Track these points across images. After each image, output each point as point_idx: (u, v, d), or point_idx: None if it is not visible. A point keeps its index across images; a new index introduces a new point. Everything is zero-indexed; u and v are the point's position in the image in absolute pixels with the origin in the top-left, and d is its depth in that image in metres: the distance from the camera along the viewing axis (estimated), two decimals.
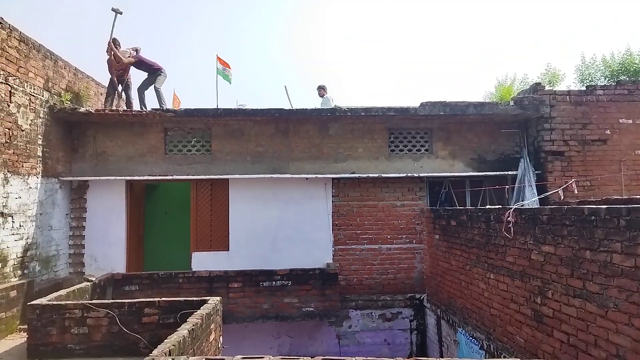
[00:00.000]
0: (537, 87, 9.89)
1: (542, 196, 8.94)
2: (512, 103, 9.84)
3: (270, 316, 8.70)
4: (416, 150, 10.33)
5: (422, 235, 10.00)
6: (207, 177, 9.87)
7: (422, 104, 9.68)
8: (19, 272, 7.73)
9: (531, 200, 8.90)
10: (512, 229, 5.90)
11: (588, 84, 10.08)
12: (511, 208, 6.06)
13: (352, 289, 9.88)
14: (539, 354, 5.21)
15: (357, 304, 9.76)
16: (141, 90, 10.54)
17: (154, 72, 10.52)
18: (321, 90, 11.67)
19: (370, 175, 9.95)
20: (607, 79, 10.43)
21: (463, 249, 7.62)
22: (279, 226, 9.94)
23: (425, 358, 3.53)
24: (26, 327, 6.28)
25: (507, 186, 9.62)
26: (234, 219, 9.92)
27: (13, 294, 7.11)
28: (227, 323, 7.64)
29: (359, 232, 10.07)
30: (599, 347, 4.32)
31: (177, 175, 9.83)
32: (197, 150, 10.08)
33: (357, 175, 9.98)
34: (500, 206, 8.13)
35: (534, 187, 9.41)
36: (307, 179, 9.99)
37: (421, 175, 10.04)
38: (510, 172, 9.91)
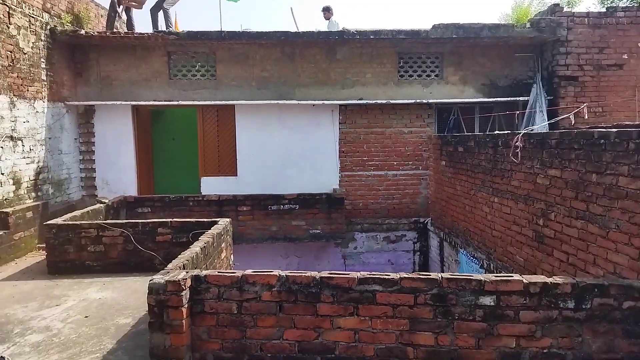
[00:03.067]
0: (555, 9, 9.42)
1: (552, 121, 8.83)
2: (528, 25, 9.44)
3: (279, 237, 9.01)
4: (426, 75, 10.08)
5: (428, 162, 10.03)
6: (212, 102, 9.79)
7: (434, 26, 9.31)
8: (33, 194, 7.94)
9: (541, 125, 8.80)
10: (519, 154, 5.90)
11: (608, 6, 9.56)
12: (520, 133, 6.02)
13: (358, 213, 10.11)
14: (537, 272, 5.42)
15: (362, 227, 10.03)
16: (154, 10, 10.09)
17: None
18: (326, 12, 11.10)
19: (379, 101, 9.81)
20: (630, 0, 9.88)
21: (469, 175, 7.68)
22: (286, 153, 9.98)
23: (427, 273, 3.68)
24: (44, 245, 6.58)
25: (517, 112, 9.48)
26: (241, 145, 9.96)
27: (29, 214, 7.36)
28: (237, 244, 7.92)
29: (365, 158, 10.11)
30: (597, 265, 4.48)
31: (183, 101, 9.74)
32: (202, 75, 9.90)
33: (364, 101, 9.84)
34: (509, 132, 8.07)
35: (545, 113, 9.27)
36: (313, 105, 9.88)
37: (430, 101, 9.89)
38: (521, 98, 9.72)
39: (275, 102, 9.74)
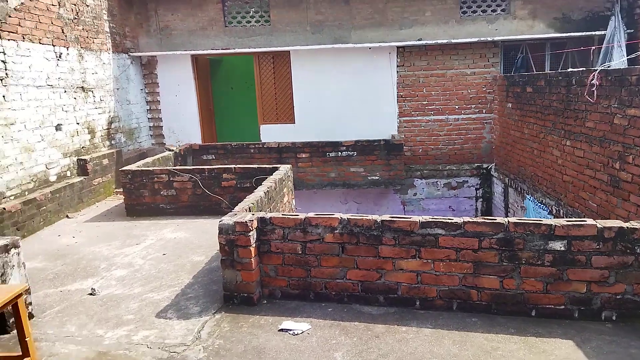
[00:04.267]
0: None
1: (631, 56, 8.06)
2: None
3: (338, 184, 9.12)
4: (491, 10, 9.41)
5: (493, 105, 9.57)
6: (268, 49, 9.73)
7: None
8: (107, 142, 8.44)
9: (619, 61, 8.06)
10: (595, 93, 5.48)
11: None
12: (596, 70, 5.56)
13: (417, 159, 9.96)
14: (611, 218, 5.16)
15: (422, 173, 9.90)
16: None
17: None
18: None
19: (439, 41, 9.33)
20: None
21: (538, 117, 7.27)
22: (342, 99, 9.87)
23: (492, 217, 3.61)
24: (121, 190, 7.07)
25: (592, 47, 8.71)
26: (297, 92, 9.94)
27: (105, 161, 7.88)
28: (297, 189, 8.09)
29: (425, 103, 9.80)
30: None
31: (239, 49, 9.77)
32: (257, 21, 9.81)
33: (424, 42, 9.39)
34: (583, 69, 7.48)
35: (624, 48, 8.45)
36: (370, 48, 9.58)
37: (495, 39, 9.27)
38: (597, 32, 8.89)
39: (331, 46, 9.53)
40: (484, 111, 9.67)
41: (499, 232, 3.43)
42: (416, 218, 3.65)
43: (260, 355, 3.14)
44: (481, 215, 9.82)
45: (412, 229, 3.60)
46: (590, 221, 3.36)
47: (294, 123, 10.07)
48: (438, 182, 9.92)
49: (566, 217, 6.20)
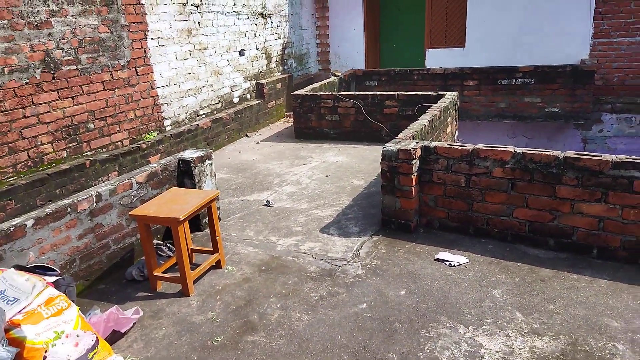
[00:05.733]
0: None
1: None
2: None
3: (507, 115, 8.35)
4: None
5: None
6: None
7: None
8: (280, 67, 8.97)
9: None
10: None
11: None
12: None
13: (610, 90, 8.48)
14: None
15: (613, 106, 8.45)
16: None
17: None
18: None
19: None
20: None
21: None
22: (525, 17, 8.70)
23: None
24: (291, 113, 7.56)
25: None
26: (472, 11, 9.06)
27: (278, 86, 8.44)
28: (460, 120, 7.67)
29: (630, 21, 8.11)
30: None
31: None
32: None
33: None
34: None
35: None
36: None
37: None
38: None
39: None
40: None
41: None
42: (608, 157, 3.21)
43: (415, 280, 3.21)
44: None
45: (601, 169, 3.17)
46: None
47: (464, 47, 9.32)
48: (633, 118, 8.37)
49: None
